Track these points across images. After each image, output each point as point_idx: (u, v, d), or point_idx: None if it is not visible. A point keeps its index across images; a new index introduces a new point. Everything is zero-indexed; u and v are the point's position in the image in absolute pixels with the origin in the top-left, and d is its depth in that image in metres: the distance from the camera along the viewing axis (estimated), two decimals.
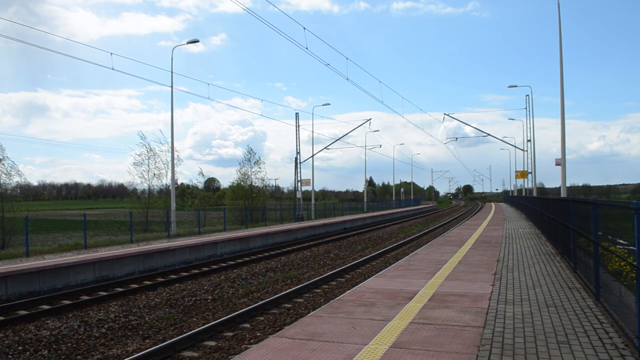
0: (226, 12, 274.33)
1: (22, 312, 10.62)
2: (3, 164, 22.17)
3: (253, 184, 39.04)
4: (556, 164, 29.14)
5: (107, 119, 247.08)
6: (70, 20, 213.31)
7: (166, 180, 29.95)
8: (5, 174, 22.32)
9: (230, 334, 8.64)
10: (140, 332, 9.19)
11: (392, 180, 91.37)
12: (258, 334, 8.53)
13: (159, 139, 40.93)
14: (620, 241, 6.27)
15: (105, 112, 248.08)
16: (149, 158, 29.98)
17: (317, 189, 53.87)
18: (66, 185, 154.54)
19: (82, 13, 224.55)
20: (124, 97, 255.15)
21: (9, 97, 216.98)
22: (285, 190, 70.09)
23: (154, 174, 30.28)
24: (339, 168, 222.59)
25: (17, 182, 23.58)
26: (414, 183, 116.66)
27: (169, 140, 26.66)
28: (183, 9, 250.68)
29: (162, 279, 14.54)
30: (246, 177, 38.77)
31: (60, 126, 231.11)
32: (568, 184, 28.83)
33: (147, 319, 10.11)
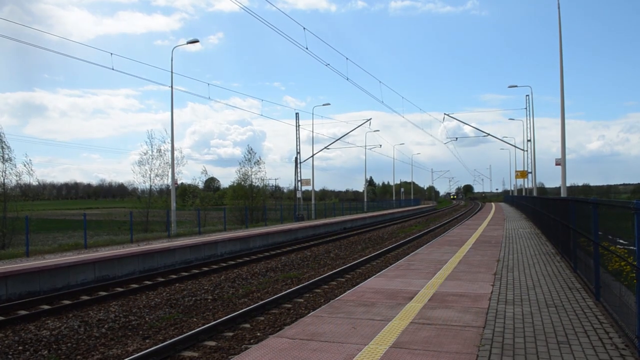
0: (222, 10, 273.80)
1: (22, 312, 10.62)
2: (12, 164, 22.24)
3: (253, 183, 39.06)
4: (556, 164, 29.11)
5: (105, 119, 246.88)
6: (65, 19, 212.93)
7: (167, 180, 29.97)
8: (15, 175, 22.41)
9: (231, 334, 8.64)
10: (141, 332, 9.19)
11: (392, 180, 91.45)
12: (258, 334, 8.53)
13: (163, 138, 40.79)
14: (621, 241, 6.27)
15: (103, 112, 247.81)
16: (154, 158, 30.00)
17: (317, 188, 53.90)
18: (66, 185, 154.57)
19: (77, 12, 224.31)
20: (122, 97, 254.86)
21: (6, 96, 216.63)
22: (285, 190, 70.18)
23: (157, 174, 30.30)
24: (338, 168, 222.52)
25: (26, 181, 23.65)
26: (414, 183, 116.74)
27: (169, 139, 26.68)
28: (179, 8, 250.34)
29: (162, 279, 14.54)
30: (246, 177, 38.79)
31: (58, 126, 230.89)
32: (568, 184, 28.84)
33: (147, 319, 10.11)
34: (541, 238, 17.70)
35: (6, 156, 22.06)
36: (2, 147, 21.95)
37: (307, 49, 21.90)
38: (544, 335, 5.70)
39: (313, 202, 44.61)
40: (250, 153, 38.84)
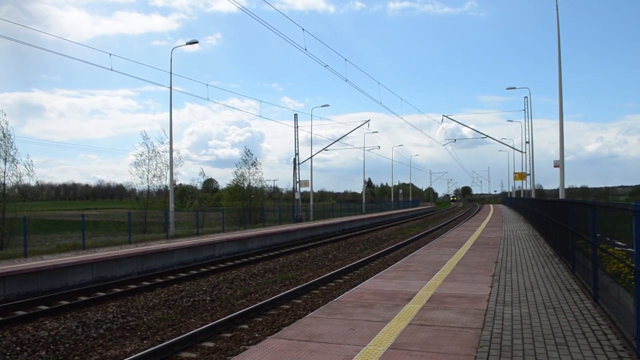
0: (220, 11, 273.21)
1: (20, 313, 10.60)
2: (15, 165, 22.25)
3: (251, 185, 39.07)
4: (554, 166, 29.19)
5: (103, 120, 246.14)
6: (63, 19, 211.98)
7: (165, 181, 29.96)
8: (15, 175, 22.42)
9: (229, 335, 8.64)
10: (139, 333, 9.18)
11: (391, 181, 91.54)
12: (256, 335, 8.53)
13: (161, 139, 40.70)
14: (619, 243, 6.29)
15: (101, 113, 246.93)
16: (149, 158, 30.01)
17: (315, 190, 53.87)
18: (64, 186, 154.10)
19: (75, 12, 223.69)
20: (120, 98, 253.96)
21: (3, 97, 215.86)
22: (284, 192, 70.11)
23: (154, 175, 30.31)
24: (337, 169, 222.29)
25: (25, 182, 23.69)
26: (412, 184, 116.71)
27: (168, 140, 26.70)
28: (177, 8, 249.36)
29: (161, 280, 14.53)
30: (243, 178, 38.82)
31: (56, 126, 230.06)
32: (566, 186, 28.87)
33: (145, 319, 10.10)
34: (539, 240, 17.72)
35: (10, 157, 22.14)
36: (8, 147, 22.01)
37: (305, 50, 21.90)
38: (542, 337, 5.70)
39: (311, 203, 44.62)
40: (247, 154, 38.92)
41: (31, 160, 24.17)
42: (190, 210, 36.60)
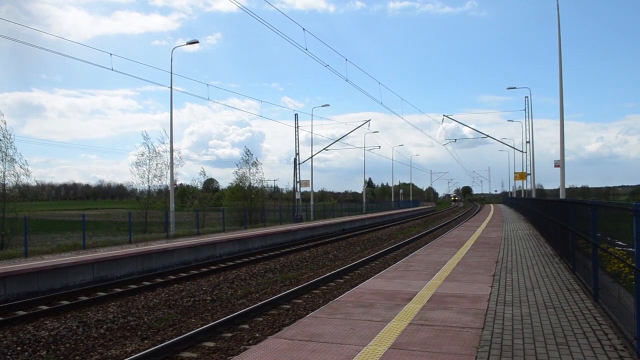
0: (220, 10, 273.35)
1: (21, 313, 10.61)
2: (13, 165, 22.28)
3: (252, 184, 39.09)
4: (555, 166, 29.18)
5: (103, 119, 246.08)
6: (63, 19, 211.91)
7: (166, 181, 29.98)
8: (14, 175, 22.45)
9: (229, 334, 8.64)
10: (139, 333, 9.19)
11: (391, 181, 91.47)
12: (257, 335, 8.53)
13: (162, 139, 40.68)
14: (619, 243, 6.28)
15: (101, 113, 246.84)
16: (150, 158, 30.06)
17: (315, 190, 53.84)
18: (65, 186, 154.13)
19: (75, 12, 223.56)
20: (120, 97, 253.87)
21: (3, 97, 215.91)
22: (284, 191, 70.18)
23: (155, 175, 30.35)
24: (337, 169, 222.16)
25: (25, 182, 23.68)
26: (413, 184, 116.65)
27: (168, 140, 26.71)
28: (177, 8, 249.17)
29: (161, 280, 14.53)
30: (244, 178, 38.84)
31: (56, 126, 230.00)
32: (567, 186, 28.90)
33: (145, 319, 10.11)
34: (540, 240, 17.71)
35: (9, 157, 22.15)
36: (7, 148, 22.02)
37: (306, 49, 21.88)
38: (542, 337, 5.70)
39: (312, 203, 44.60)
40: (247, 154, 38.95)
41: (25, 160, 23.97)
42: (190, 210, 36.63)
